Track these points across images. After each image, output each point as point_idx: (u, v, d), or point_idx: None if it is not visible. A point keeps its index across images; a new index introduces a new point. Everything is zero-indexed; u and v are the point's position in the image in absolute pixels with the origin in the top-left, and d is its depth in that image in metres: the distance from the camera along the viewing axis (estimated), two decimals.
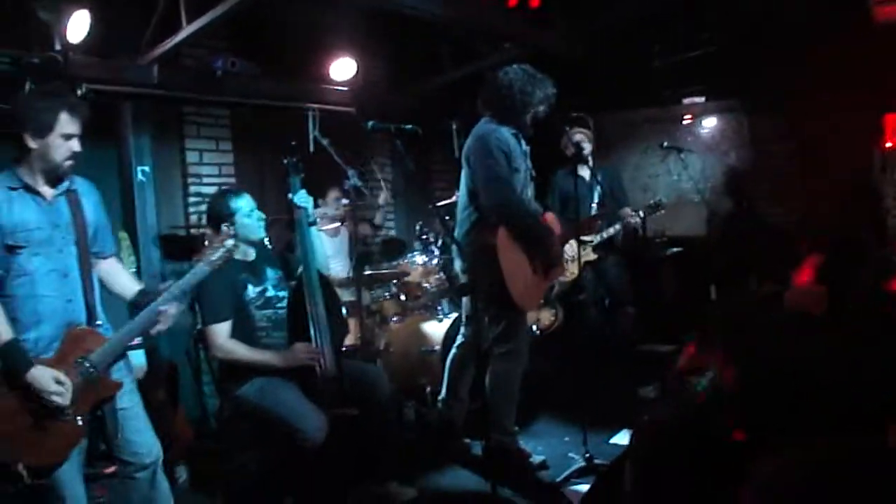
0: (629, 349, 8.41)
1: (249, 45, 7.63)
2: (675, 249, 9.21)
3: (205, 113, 7.74)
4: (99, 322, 4.09)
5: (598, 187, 7.79)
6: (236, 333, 4.93)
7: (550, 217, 6.02)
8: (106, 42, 6.46)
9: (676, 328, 8.40)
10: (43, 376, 3.67)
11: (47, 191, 3.98)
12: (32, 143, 3.86)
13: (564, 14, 8.10)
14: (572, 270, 7.53)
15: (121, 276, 4.43)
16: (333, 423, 4.79)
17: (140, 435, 4.20)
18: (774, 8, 8.30)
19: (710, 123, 10.37)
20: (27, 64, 5.92)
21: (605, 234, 7.86)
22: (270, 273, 5.24)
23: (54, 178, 3.97)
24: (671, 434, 2.70)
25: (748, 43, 8.80)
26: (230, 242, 4.36)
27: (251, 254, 5.22)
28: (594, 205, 7.63)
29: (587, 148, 7.91)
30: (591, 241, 7.85)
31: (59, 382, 3.71)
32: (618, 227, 7.88)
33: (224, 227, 4.96)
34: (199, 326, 5.34)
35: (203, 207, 7.38)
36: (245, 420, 5.03)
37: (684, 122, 10.46)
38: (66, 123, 3.87)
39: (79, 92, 6.21)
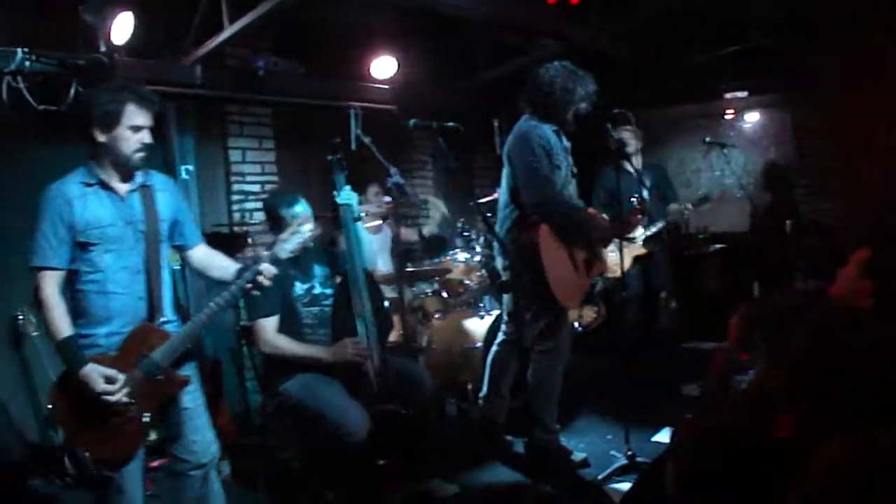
0: (672, 346, 8.38)
1: (291, 45, 7.67)
2: (718, 246, 9.16)
3: (247, 112, 7.80)
4: (165, 318, 4.07)
5: (645, 184, 7.78)
6: (282, 330, 4.97)
7: (592, 213, 6.00)
8: (150, 43, 6.53)
9: (720, 325, 8.43)
10: (91, 374, 3.67)
11: (121, 186, 3.97)
12: (101, 137, 3.87)
13: (604, 9, 8.06)
14: (618, 265, 7.57)
15: (216, 259, 4.41)
16: (377, 419, 4.81)
17: (200, 434, 4.18)
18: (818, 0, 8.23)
19: (752, 118, 10.31)
20: (73, 66, 5.97)
21: (652, 229, 7.84)
22: (318, 270, 5.27)
23: (126, 171, 3.96)
24: (715, 433, 2.70)
25: (791, 36, 8.72)
26: (307, 227, 4.45)
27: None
28: (635, 200, 7.61)
29: (632, 145, 7.91)
30: (639, 236, 7.85)
31: (109, 381, 3.70)
32: (662, 223, 7.87)
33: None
34: (241, 323, 5.38)
35: (247, 205, 7.45)
36: (288, 416, 5.06)
37: (726, 117, 10.40)
38: (134, 115, 3.87)
39: None
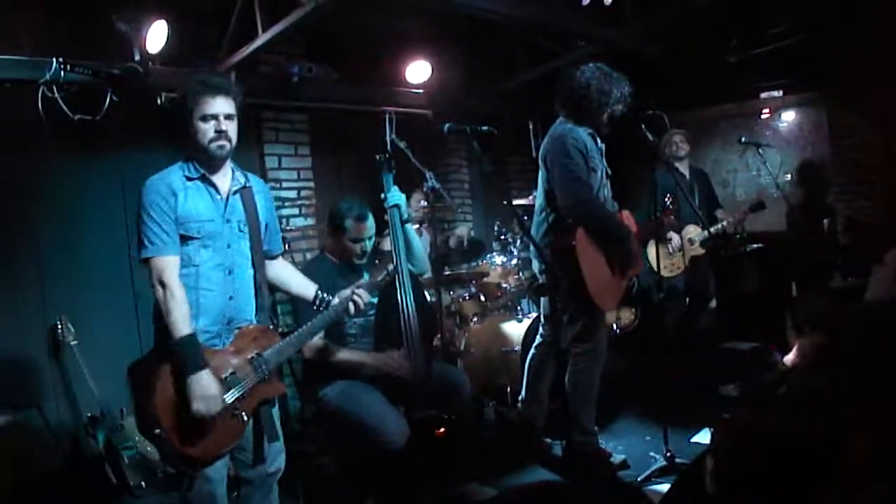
0: (711, 346, 8.34)
1: (325, 51, 7.70)
2: (755, 246, 9.10)
3: (283, 118, 7.82)
4: (260, 321, 4.10)
5: (696, 186, 7.80)
6: (326, 338, 4.98)
7: (627, 215, 5.99)
8: (184, 51, 6.56)
9: (758, 326, 8.37)
10: (207, 383, 3.63)
11: (222, 183, 3.98)
12: (188, 131, 3.88)
13: (638, 10, 8.05)
14: (678, 264, 7.58)
15: (296, 276, 4.49)
16: (417, 424, 4.81)
17: (272, 445, 4.15)
18: None
19: (788, 117, 10.25)
20: (108, 75, 6.02)
21: (712, 231, 7.81)
22: (367, 278, 5.28)
23: (212, 163, 3.93)
24: (754, 432, 2.68)
25: (826, 34, 8.67)
26: (391, 267, 4.58)
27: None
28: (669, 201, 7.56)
29: (683, 149, 7.95)
30: (697, 237, 7.85)
31: (211, 395, 3.63)
32: (720, 225, 7.86)
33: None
34: (280, 329, 5.40)
35: (283, 212, 7.48)
36: (327, 422, 5.08)
37: (762, 117, 10.35)
38: (202, 104, 3.83)
39: (159, 101, 6.34)
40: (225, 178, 4.01)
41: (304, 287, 4.42)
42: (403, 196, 5.31)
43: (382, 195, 5.28)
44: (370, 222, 5.17)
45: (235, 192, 4.02)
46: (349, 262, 5.24)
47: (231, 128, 3.91)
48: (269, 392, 4.00)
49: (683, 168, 8.19)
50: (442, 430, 5.18)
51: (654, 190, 7.52)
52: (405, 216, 5.28)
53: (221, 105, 3.87)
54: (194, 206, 3.84)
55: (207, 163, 3.92)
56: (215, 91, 3.86)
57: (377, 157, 5.34)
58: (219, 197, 3.95)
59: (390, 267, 4.61)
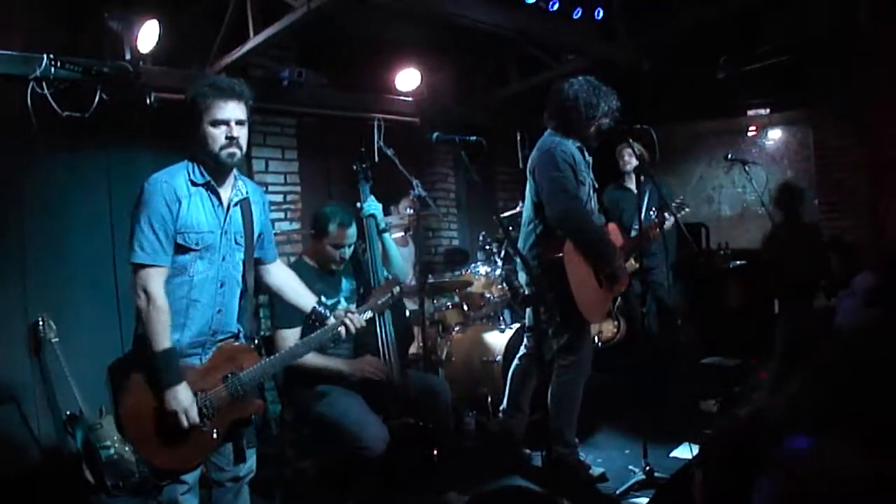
0: (692, 361, 8.38)
1: (316, 56, 7.72)
2: (738, 262, 9.13)
3: (271, 122, 7.83)
4: (239, 330, 4.08)
5: (647, 200, 7.76)
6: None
7: (613, 228, 6.01)
8: (175, 51, 6.57)
9: (740, 342, 8.39)
10: (184, 397, 3.60)
11: (225, 194, 3.89)
12: (196, 135, 3.76)
13: (629, 25, 8.09)
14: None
15: (292, 282, 4.42)
16: (395, 432, 4.82)
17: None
18: (841, 17, 8.22)
19: (775, 135, 10.32)
20: (98, 73, 6.01)
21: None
22: (346, 284, 5.28)
23: (219, 170, 3.84)
24: (740, 446, 2.69)
25: (814, 53, 8.72)
26: (396, 289, 4.59)
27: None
28: (654, 214, 7.55)
29: (631, 163, 7.92)
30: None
31: (192, 406, 3.63)
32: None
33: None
34: (262, 332, 5.39)
35: (272, 215, 7.48)
36: (306, 427, 5.08)
37: (749, 134, 10.41)
38: (213, 108, 3.71)
39: (148, 101, 6.32)
40: (228, 187, 3.92)
41: (303, 298, 4.36)
42: (380, 206, 5.35)
43: (359, 204, 5.30)
44: (352, 230, 5.16)
45: (236, 204, 3.95)
46: (328, 267, 5.24)
47: (242, 134, 3.79)
48: (243, 411, 3.97)
49: (630, 183, 8.14)
50: (435, 452, 5.20)
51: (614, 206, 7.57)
52: (382, 225, 5.31)
53: (233, 110, 3.74)
54: (196, 216, 3.76)
55: (214, 170, 3.82)
56: (228, 95, 3.74)
57: (354, 166, 5.36)
58: (220, 208, 3.87)
59: (396, 289, 4.60)
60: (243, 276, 4.03)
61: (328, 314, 4.28)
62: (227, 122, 3.72)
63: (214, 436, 3.79)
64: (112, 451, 5.66)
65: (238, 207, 3.97)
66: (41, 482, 5.90)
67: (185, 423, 3.60)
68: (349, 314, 4.25)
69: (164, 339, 3.60)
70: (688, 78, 9.39)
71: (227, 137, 3.72)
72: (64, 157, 6.38)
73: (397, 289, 4.62)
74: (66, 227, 6.38)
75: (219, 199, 3.87)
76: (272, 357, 4.11)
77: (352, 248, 5.23)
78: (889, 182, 8.92)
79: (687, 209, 7.70)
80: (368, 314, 4.40)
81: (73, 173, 6.43)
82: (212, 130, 3.72)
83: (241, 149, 3.79)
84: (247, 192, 4.03)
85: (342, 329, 4.23)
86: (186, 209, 3.73)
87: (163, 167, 3.85)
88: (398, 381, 4.97)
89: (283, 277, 4.41)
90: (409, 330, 5.59)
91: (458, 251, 9.44)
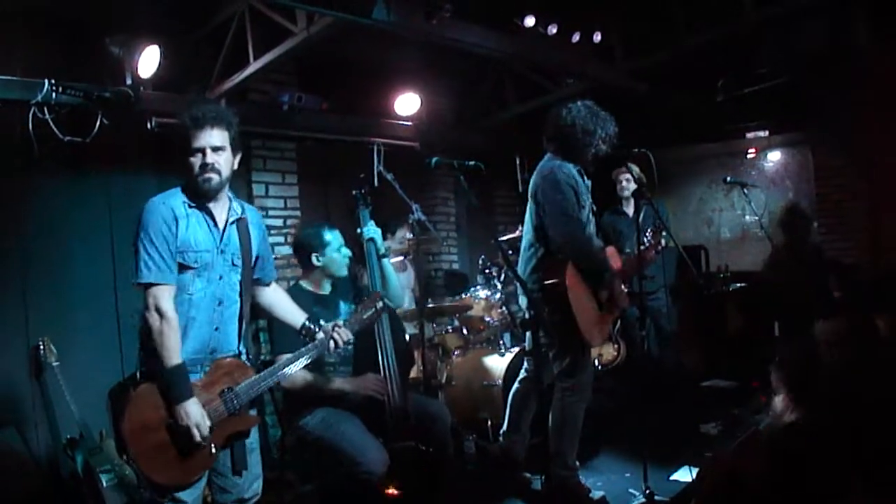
0: (692, 384, 8.37)
1: (315, 81, 7.75)
2: (738, 285, 9.14)
3: (271, 147, 7.85)
4: (241, 352, 4.11)
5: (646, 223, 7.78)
6: (305, 367, 4.97)
7: (612, 252, 6.01)
8: (176, 77, 6.59)
9: (740, 364, 8.39)
10: (195, 411, 3.67)
11: (220, 214, 3.97)
12: (184, 163, 3.86)
13: (627, 49, 8.13)
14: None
15: (286, 303, 4.47)
16: (395, 455, 4.82)
17: (249, 470, 4.14)
18: (839, 37, 8.26)
19: (774, 157, 10.35)
20: (99, 98, 6.03)
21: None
22: (343, 308, 5.28)
23: (204, 196, 3.89)
24: (736, 471, 2.70)
25: (812, 74, 8.76)
26: (380, 303, 4.60)
27: (326, 286, 5.30)
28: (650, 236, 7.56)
29: (629, 188, 7.93)
30: None
31: (203, 419, 3.69)
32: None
33: (314, 258, 5.17)
34: (262, 357, 5.40)
35: (270, 240, 7.48)
36: (307, 451, 5.07)
37: (748, 156, 10.44)
38: (193, 136, 3.81)
39: (149, 125, 6.35)
40: (223, 209, 4.00)
41: (293, 315, 4.42)
42: (379, 230, 5.38)
43: (358, 230, 5.33)
44: (337, 241, 5.28)
45: (232, 223, 4.01)
46: (325, 289, 5.29)
47: (219, 159, 3.86)
48: (240, 425, 3.99)
49: (628, 207, 8.17)
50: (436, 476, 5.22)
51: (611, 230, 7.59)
52: (381, 250, 5.33)
53: (207, 137, 3.82)
54: (193, 235, 3.84)
55: (200, 195, 3.89)
56: (201, 123, 3.82)
57: (353, 192, 5.40)
58: (216, 228, 3.94)
59: (379, 304, 4.62)
60: (240, 296, 4.07)
61: (317, 330, 4.32)
62: (201, 150, 3.83)
63: (213, 450, 3.82)
64: (113, 474, 5.66)
65: (234, 227, 4.03)
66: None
67: (198, 437, 3.66)
68: (336, 328, 4.30)
69: (175, 355, 3.68)
70: (686, 101, 9.43)
71: (201, 165, 3.82)
72: (65, 181, 6.39)
73: (381, 303, 4.63)
74: (67, 252, 6.39)
75: (213, 219, 3.94)
76: (266, 370, 4.14)
77: (346, 258, 5.28)
78: (888, 202, 8.94)
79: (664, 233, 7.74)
80: (356, 328, 4.44)
81: (74, 198, 6.44)
82: (190, 159, 3.83)
83: (218, 174, 3.87)
84: (243, 213, 4.09)
85: (331, 343, 4.27)
86: (185, 228, 3.82)
87: (163, 191, 3.93)
88: (399, 403, 4.97)
89: (275, 296, 4.46)
90: (409, 353, 5.61)
91: (457, 275, 9.44)
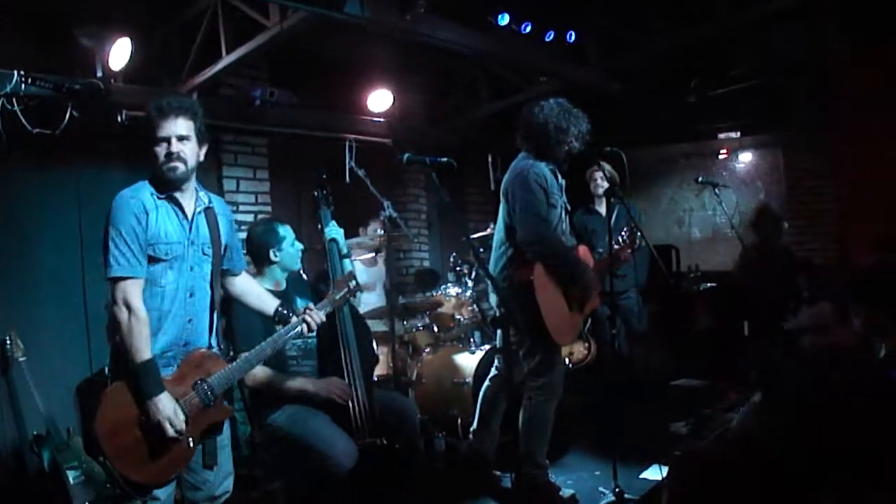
0: (661, 383, 8.40)
1: (288, 76, 7.72)
2: (708, 284, 9.17)
3: (243, 142, 7.82)
4: (213, 345, 4.10)
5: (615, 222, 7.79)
6: (268, 362, 4.94)
7: (584, 251, 6.02)
8: (147, 70, 6.55)
9: (709, 364, 8.41)
10: (167, 406, 3.63)
11: (188, 205, 3.95)
12: (149, 155, 3.85)
13: (600, 49, 8.14)
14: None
15: (254, 288, 4.50)
16: (363, 452, 4.80)
17: (220, 467, 4.13)
18: (811, 40, 8.31)
19: (745, 158, 10.40)
20: (69, 90, 5.98)
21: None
22: (300, 303, 5.22)
23: (171, 185, 3.87)
24: (708, 468, 2.70)
25: (783, 77, 8.80)
26: (353, 283, 4.62)
27: (283, 283, 5.29)
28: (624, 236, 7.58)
29: (602, 186, 7.95)
30: None
31: (176, 414, 3.67)
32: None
33: (272, 253, 5.15)
34: (230, 352, 5.37)
35: (240, 235, 7.45)
36: (276, 447, 5.04)
37: (720, 157, 10.48)
38: (158, 126, 3.80)
39: (119, 118, 6.31)
40: (190, 199, 3.98)
41: (265, 302, 4.43)
42: (342, 231, 5.37)
43: (320, 227, 5.32)
44: (290, 236, 5.30)
45: (200, 213, 4.00)
46: (282, 286, 5.30)
47: (184, 149, 3.85)
48: (215, 416, 3.97)
49: (600, 206, 8.19)
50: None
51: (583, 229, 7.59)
52: (343, 250, 5.32)
53: (172, 127, 3.81)
54: (164, 227, 3.83)
55: (167, 184, 3.86)
56: (167, 113, 3.81)
57: (314, 193, 5.39)
58: (185, 219, 3.92)
59: (352, 283, 4.62)
60: (211, 286, 4.06)
61: (290, 314, 4.32)
62: (167, 140, 3.81)
63: (190, 444, 3.80)
64: (80, 471, 5.61)
65: (203, 217, 4.02)
66: (6, 503, 5.84)
67: (172, 432, 3.63)
68: (308, 311, 4.30)
69: (145, 350, 3.65)
70: (659, 101, 9.45)
71: (166, 154, 3.80)
72: (34, 174, 6.34)
73: (353, 282, 4.64)
74: (35, 245, 6.34)
75: (182, 210, 3.92)
76: (239, 359, 4.11)
77: (299, 251, 5.31)
78: (857, 205, 8.99)
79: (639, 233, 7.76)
80: (328, 309, 4.45)
81: (42, 190, 6.39)
82: (155, 149, 3.81)
83: (183, 162, 3.85)
84: (210, 202, 4.08)
85: (304, 327, 4.27)
86: (155, 221, 3.80)
87: (133, 184, 3.89)
88: (364, 402, 4.96)
89: (246, 285, 4.47)
90: (373, 350, 5.60)
91: (428, 272, 9.42)
